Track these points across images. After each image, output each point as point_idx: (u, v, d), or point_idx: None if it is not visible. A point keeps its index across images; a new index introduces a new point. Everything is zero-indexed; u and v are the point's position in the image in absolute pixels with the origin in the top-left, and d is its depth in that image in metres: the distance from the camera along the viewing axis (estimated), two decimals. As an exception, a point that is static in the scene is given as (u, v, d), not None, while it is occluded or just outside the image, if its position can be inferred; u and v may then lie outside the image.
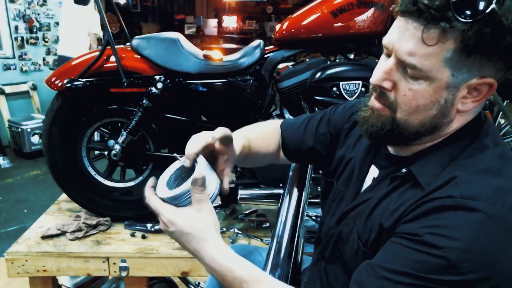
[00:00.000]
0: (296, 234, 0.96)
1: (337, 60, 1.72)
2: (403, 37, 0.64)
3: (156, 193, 0.74)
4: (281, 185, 1.71)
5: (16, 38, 4.75)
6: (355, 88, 1.58)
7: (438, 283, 0.57)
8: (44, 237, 1.59)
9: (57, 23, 4.95)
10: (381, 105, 0.71)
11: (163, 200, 0.73)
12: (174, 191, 0.71)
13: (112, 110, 1.65)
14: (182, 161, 0.76)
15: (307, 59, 1.73)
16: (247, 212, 1.81)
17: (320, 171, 1.03)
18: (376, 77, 0.70)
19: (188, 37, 1.98)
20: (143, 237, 1.63)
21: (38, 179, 3.91)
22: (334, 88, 1.58)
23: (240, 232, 1.67)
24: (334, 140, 1.00)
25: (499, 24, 0.57)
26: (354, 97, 1.58)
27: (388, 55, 0.69)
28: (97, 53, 1.58)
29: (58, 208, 1.87)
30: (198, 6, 9.07)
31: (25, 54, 4.87)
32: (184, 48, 1.63)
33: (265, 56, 1.69)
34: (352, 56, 1.74)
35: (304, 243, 1.06)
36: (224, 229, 1.69)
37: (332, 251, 0.84)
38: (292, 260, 0.91)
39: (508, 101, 1.95)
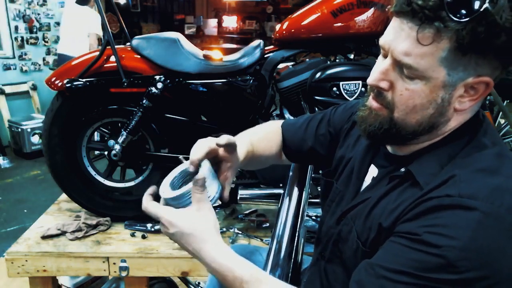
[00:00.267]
0: (296, 234, 0.97)
1: (337, 60, 1.72)
2: (398, 37, 0.64)
3: (159, 193, 0.75)
4: (281, 185, 1.71)
5: (16, 38, 4.75)
6: (355, 88, 1.58)
7: (437, 282, 0.58)
8: (44, 237, 1.59)
9: (57, 23, 4.96)
10: (379, 105, 0.72)
11: (166, 200, 0.74)
12: (176, 192, 0.72)
13: (112, 110, 1.65)
14: (187, 165, 0.78)
15: (307, 59, 1.73)
16: (247, 212, 1.81)
17: (320, 171, 1.04)
18: (373, 77, 0.70)
19: (188, 37, 1.98)
20: (143, 237, 1.63)
21: (38, 179, 3.91)
22: (334, 88, 1.58)
23: (240, 232, 1.67)
24: (334, 140, 1.00)
25: (493, 23, 0.57)
26: (354, 97, 1.58)
27: (385, 56, 0.69)
28: (97, 53, 1.58)
29: (58, 208, 1.87)
30: (198, 6, 9.07)
31: (25, 54, 4.87)
32: (184, 48, 1.63)
33: (265, 56, 1.69)
34: (352, 56, 1.74)
35: (304, 243, 1.06)
36: (224, 229, 1.69)
37: (332, 251, 0.84)
38: (292, 260, 0.92)
39: (508, 101, 1.95)
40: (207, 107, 1.71)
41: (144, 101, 1.57)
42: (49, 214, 1.81)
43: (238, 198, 1.67)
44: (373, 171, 0.83)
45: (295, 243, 0.94)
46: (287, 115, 1.73)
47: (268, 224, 1.74)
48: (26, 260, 1.51)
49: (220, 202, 0.77)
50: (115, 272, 1.54)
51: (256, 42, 1.71)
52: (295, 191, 1.10)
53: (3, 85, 4.61)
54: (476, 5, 0.57)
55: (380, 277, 0.62)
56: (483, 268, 0.56)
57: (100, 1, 1.70)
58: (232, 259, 0.70)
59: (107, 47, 1.58)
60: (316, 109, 1.66)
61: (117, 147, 1.60)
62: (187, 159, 0.79)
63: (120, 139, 1.60)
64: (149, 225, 1.67)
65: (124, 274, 1.54)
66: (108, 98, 1.62)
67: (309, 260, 1.01)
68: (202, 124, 1.71)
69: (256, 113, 1.72)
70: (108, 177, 1.75)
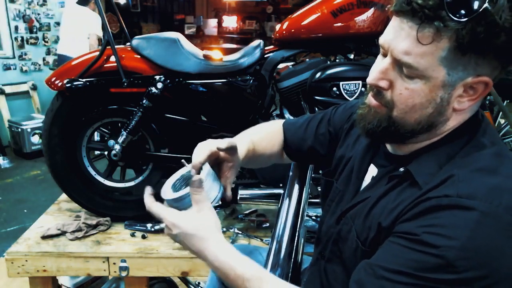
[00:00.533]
0: (296, 234, 0.97)
1: (337, 60, 1.72)
2: (398, 36, 0.65)
3: (161, 194, 0.75)
4: (281, 185, 1.71)
5: (16, 38, 4.75)
6: (355, 88, 1.58)
7: (436, 282, 0.58)
8: (44, 237, 1.59)
9: (57, 23, 4.96)
10: (378, 103, 0.72)
11: (167, 201, 0.75)
12: (177, 193, 0.73)
13: (112, 110, 1.65)
14: (188, 168, 0.79)
15: (307, 59, 1.73)
16: (247, 212, 1.81)
17: (320, 171, 1.04)
18: (372, 76, 0.71)
19: (188, 37, 1.98)
20: (143, 237, 1.63)
21: (38, 179, 3.91)
22: (334, 88, 1.58)
23: (240, 232, 1.67)
24: (333, 140, 1.01)
25: (492, 23, 0.58)
26: (354, 97, 1.58)
27: (384, 55, 0.69)
28: (97, 53, 1.58)
29: (58, 208, 1.87)
30: (198, 6, 9.06)
31: (25, 54, 4.87)
32: (184, 48, 1.63)
33: (265, 56, 1.69)
34: (352, 56, 1.74)
35: (304, 243, 1.06)
36: (224, 229, 1.69)
37: (332, 250, 0.84)
38: (292, 260, 0.92)
39: (508, 101, 1.95)
40: (207, 107, 1.71)
41: (144, 101, 1.57)
42: (49, 214, 1.81)
43: (238, 198, 1.67)
44: (372, 170, 0.83)
45: (295, 243, 0.94)
46: (287, 115, 1.73)
47: (268, 224, 1.74)
48: (26, 260, 1.51)
49: (221, 203, 0.78)
50: (115, 272, 1.54)
51: (256, 42, 1.71)
52: (295, 191, 1.10)
53: (3, 85, 4.60)
54: (476, 5, 0.57)
55: (380, 277, 0.62)
56: (481, 268, 0.57)
57: (100, 1, 1.70)
58: (234, 257, 0.70)
59: (107, 47, 1.58)
60: (316, 109, 1.66)
61: (117, 147, 1.60)
62: (188, 161, 0.80)
63: (120, 139, 1.60)
64: (149, 225, 1.67)
65: (124, 274, 1.54)
66: (108, 98, 1.62)
67: (309, 260, 1.01)
68: (202, 124, 1.71)
69: (256, 113, 1.72)
70: (108, 177, 1.75)
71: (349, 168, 0.89)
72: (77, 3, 4.09)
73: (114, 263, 1.53)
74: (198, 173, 0.76)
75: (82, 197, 1.74)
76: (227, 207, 1.83)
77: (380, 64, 0.69)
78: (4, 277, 1.63)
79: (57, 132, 1.64)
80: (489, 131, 0.70)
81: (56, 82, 1.58)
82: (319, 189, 1.14)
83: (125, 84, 1.55)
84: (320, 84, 1.59)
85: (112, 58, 1.58)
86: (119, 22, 1.89)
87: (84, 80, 1.55)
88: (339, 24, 1.58)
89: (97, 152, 1.84)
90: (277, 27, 1.70)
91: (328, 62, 1.66)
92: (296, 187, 1.11)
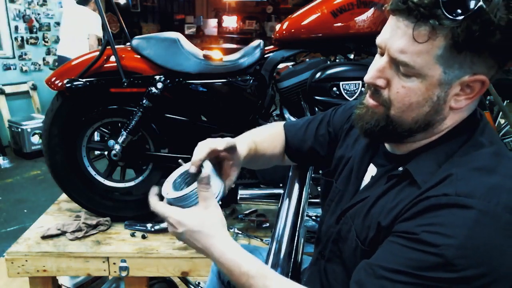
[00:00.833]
0: (296, 234, 0.97)
1: (337, 60, 1.72)
2: (395, 35, 0.65)
3: (163, 194, 0.76)
4: (281, 185, 1.71)
5: (16, 38, 4.75)
6: (355, 88, 1.58)
7: (435, 281, 0.58)
8: (44, 237, 1.59)
9: (57, 23, 4.96)
10: (376, 103, 0.72)
11: (170, 200, 0.75)
12: (181, 192, 0.73)
13: (112, 110, 1.65)
14: (187, 167, 0.79)
15: (307, 59, 1.73)
16: (247, 212, 1.81)
17: (320, 171, 1.04)
18: (369, 75, 0.71)
19: (188, 37, 1.98)
20: (143, 237, 1.63)
21: (38, 179, 3.91)
22: (334, 88, 1.58)
23: (240, 232, 1.67)
24: (333, 140, 1.01)
25: (487, 21, 0.58)
26: (354, 97, 1.58)
27: (382, 54, 0.70)
28: (97, 53, 1.58)
29: (58, 208, 1.87)
30: (198, 6, 9.07)
31: (25, 54, 4.87)
32: (184, 48, 1.63)
33: (265, 56, 1.69)
34: (352, 56, 1.74)
35: (304, 243, 1.07)
36: (224, 229, 1.69)
37: (332, 250, 0.84)
38: (292, 260, 0.92)
39: (508, 101, 1.95)
40: (207, 107, 1.71)
41: (144, 101, 1.57)
42: (49, 214, 1.81)
43: (238, 198, 1.67)
44: (372, 170, 0.84)
45: (295, 243, 0.95)
46: (287, 115, 1.73)
47: (268, 224, 1.74)
48: (26, 260, 1.51)
49: (220, 202, 0.78)
50: (115, 272, 1.54)
51: (256, 42, 1.71)
52: (295, 191, 1.10)
53: (3, 85, 4.61)
54: (471, 3, 0.58)
55: (379, 277, 0.62)
56: (480, 266, 0.57)
57: (100, 1, 1.70)
58: (239, 255, 0.71)
59: (107, 47, 1.58)
60: (316, 109, 1.66)
61: (117, 147, 1.60)
62: (186, 161, 0.81)
63: (120, 139, 1.60)
64: (149, 225, 1.67)
65: (124, 274, 1.54)
66: (108, 98, 1.62)
67: (309, 260, 1.01)
68: (202, 124, 1.71)
69: (256, 113, 1.72)
70: (108, 177, 1.75)
71: (349, 168, 0.89)
72: (77, 2, 4.09)
73: (114, 263, 1.53)
74: (199, 170, 0.77)
75: (82, 197, 1.74)
76: (227, 207, 1.83)
77: (378, 62, 0.70)
78: (4, 277, 1.63)
79: (57, 132, 1.64)
80: (487, 130, 0.70)
81: (56, 82, 1.58)
82: (319, 189, 1.14)
83: (125, 84, 1.55)
84: (320, 84, 1.59)
85: (112, 58, 1.58)
86: (119, 22, 1.89)
87: (84, 80, 1.55)
88: (339, 24, 1.58)
89: (97, 152, 1.84)
90: (277, 27, 1.70)
91: (328, 62, 1.66)
92: (296, 187, 1.11)
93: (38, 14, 4.94)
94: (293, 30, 1.65)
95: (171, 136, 1.70)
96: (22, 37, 4.82)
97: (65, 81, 1.54)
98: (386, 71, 0.69)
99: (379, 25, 1.56)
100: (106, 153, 1.65)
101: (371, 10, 1.56)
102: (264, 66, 1.68)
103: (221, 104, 1.69)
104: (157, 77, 1.57)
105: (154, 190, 0.78)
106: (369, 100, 0.74)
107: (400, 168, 0.73)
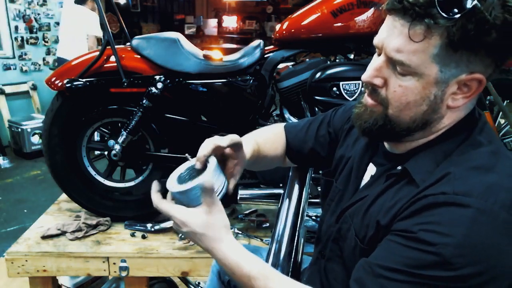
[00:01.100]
0: (296, 234, 0.97)
1: (337, 60, 1.72)
2: (391, 34, 0.66)
3: (167, 186, 0.76)
4: (281, 185, 1.71)
5: (16, 38, 4.76)
6: (355, 88, 1.58)
7: (433, 279, 0.58)
8: (44, 237, 1.59)
9: (57, 23, 4.96)
10: (374, 102, 0.73)
11: (173, 193, 0.75)
12: (184, 186, 0.74)
13: (112, 110, 1.65)
14: (193, 162, 0.80)
15: (307, 59, 1.73)
16: (247, 212, 1.81)
17: (320, 171, 1.04)
18: (367, 74, 0.72)
19: (188, 37, 1.98)
20: (143, 237, 1.63)
21: (38, 179, 3.91)
22: (334, 88, 1.58)
23: (240, 232, 1.67)
24: (334, 141, 1.01)
25: (482, 20, 0.58)
26: (354, 97, 1.58)
27: (379, 54, 0.70)
28: (97, 53, 1.58)
29: (58, 208, 1.87)
30: (198, 6, 9.07)
31: (25, 54, 4.87)
32: (184, 48, 1.63)
33: (265, 56, 1.69)
34: (352, 56, 1.74)
35: (304, 243, 1.07)
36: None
37: (332, 249, 0.85)
38: (292, 259, 0.92)
39: (508, 101, 1.95)
40: (207, 107, 1.71)
41: (144, 101, 1.57)
42: (49, 214, 1.81)
43: (238, 198, 1.67)
44: (371, 169, 0.84)
45: (295, 243, 0.95)
46: (287, 115, 1.73)
47: (268, 224, 1.74)
48: (26, 260, 1.51)
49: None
50: (115, 272, 1.54)
51: (256, 42, 1.71)
52: (295, 191, 1.10)
53: (3, 85, 4.61)
54: (466, 2, 0.58)
55: (378, 276, 0.63)
56: (477, 264, 0.57)
57: (100, 1, 1.70)
58: (241, 256, 0.72)
59: (107, 47, 1.58)
60: (316, 109, 1.66)
61: (117, 147, 1.60)
62: (193, 156, 0.81)
63: (120, 139, 1.60)
64: (149, 225, 1.67)
65: (124, 274, 1.54)
66: (108, 98, 1.62)
67: (309, 260, 1.01)
68: (202, 124, 1.71)
69: (256, 113, 1.72)
70: (108, 177, 1.75)
71: (349, 167, 0.89)
72: (75, 2, 4.09)
73: (114, 263, 1.53)
74: (204, 166, 0.77)
75: (82, 197, 1.74)
76: (227, 207, 1.83)
77: (375, 62, 0.71)
78: (4, 277, 1.63)
79: (57, 132, 1.64)
80: (486, 129, 0.70)
81: (56, 82, 1.58)
82: (319, 189, 1.14)
83: (125, 84, 1.55)
84: (320, 84, 1.59)
85: (112, 58, 1.58)
86: (119, 22, 1.89)
87: (84, 80, 1.55)
88: (339, 24, 1.58)
89: (97, 152, 1.84)
90: (277, 27, 1.70)
91: (328, 62, 1.66)
92: (296, 187, 1.11)
93: (38, 14, 4.94)
94: (293, 30, 1.65)
95: (171, 136, 1.70)
96: (22, 37, 4.82)
97: (65, 81, 1.54)
98: (383, 70, 0.69)
99: (379, 25, 1.54)
100: (106, 153, 1.65)
101: (371, 10, 1.56)
102: (264, 66, 1.68)
103: (221, 104, 1.69)
104: (157, 77, 1.57)
105: (156, 186, 0.78)
106: (367, 99, 0.74)
107: (399, 167, 0.74)
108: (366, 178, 0.84)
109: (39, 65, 5.02)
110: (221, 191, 0.78)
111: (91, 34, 4.06)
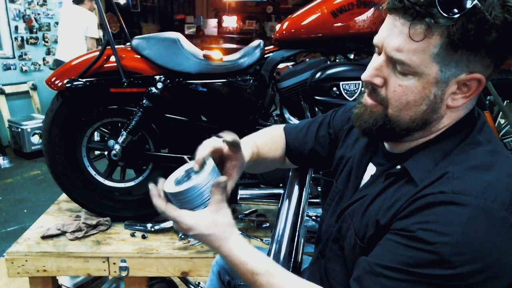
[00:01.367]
0: (296, 234, 0.97)
1: (337, 60, 1.72)
2: (391, 34, 0.66)
3: (164, 188, 0.77)
4: (281, 185, 1.71)
5: (16, 38, 4.75)
6: (355, 88, 1.58)
7: (431, 278, 0.59)
8: (44, 237, 1.59)
9: (57, 23, 4.95)
10: (373, 102, 0.73)
11: (169, 194, 0.76)
12: (181, 187, 0.74)
13: (112, 110, 1.65)
14: (191, 164, 0.80)
15: (307, 59, 1.73)
16: (247, 212, 1.81)
17: (320, 171, 1.04)
18: (367, 73, 0.72)
19: (188, 37, 1.98)
20: (143, 237, 1.63)
21: (38, 179, 3.91)
22: (334, 88, 1.58)
23: (240, 232, 1.66)
24: (333, 142, 1.01)
25: (482, 19, 0.58)
26: (354, 97, 1.58)
27: (379, 53, 0.70)
28: (97, 53, 1.58)
29: (58, 208, 1.87)
30: (198, 6, 9.07)
31: (25, 54, 4.87)
32: (184, 48, 1.63)
33: (265, 56, 1.69)
34: (352, 56, 1.74)
35: (304, 243, 1.07)
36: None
37: (332, 249, 0.85)
38: (292, 259, 0.92)
39: (508, 101, 1.95)
40: (207, 107, 1.71)
41: (144, 101, 1.57)
42: (49, 214, 1.81)
43: (238, 198, 1.67)
44: (371, 169, 0.84)
45: (295, 243, 0.95)
46: (287, 115, 1.73)
47: (268, 224, 1.74)
48: (26, 260, 1.51)
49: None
50: (115, 272, 1.54)
51: (256, 42, 1.71)
52: (295, 191, 1.10)
53: (3, 85, 4.60)
54: (466, 2, 0.58)
55: (378, 275, 0.63)
56: (476, 263, 0.57)
57: (100, 1, 1.70)
58: (246, 253, 0.73)
59: (107, 47, 1.58)
60: (316, 109, 1.66)
61: (117, 147, 1.60)
62: (191, 159, 0.81)
63: (120, 139, 1.60)
64: (149, 225, 1.67)
65: (124, 274, 1.54)
66: (108, 98, 1.62)
67: (309, 260, 1.01)
68: (202, 124, 1.71)
69: (256, 113, 1.72)
70: (108, 177, 1.75)
71: (349, 167, 0.89)
72: (73, 2, 4.09)
73: (114, 263, 1.53)
74: (201, 167, 0.78)
75: (82, 197, 1.74)
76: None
77: (375, 61, 0.71)
78: (4, 277, 1.63)
79: (57, 132, 1.64)
80: (485, 129, 0.71)
81: (56, 82, 1.58)
82: (319, 189, 1.14)
83: (125, 84, 1.55)
84: (320, 84, 1.59)
85: (112, 58, 1.58)
86: (119, 22, 1.89)
87: (84, 80, 1.55)
88: (339, 24, 1.58)
89: (97, 152, 1.84)
90: (277, 27, 1.70)
91: (328, 62, 1.66)
92: (296, 187, 1.11)
93: (38, 14, 4.94)
94: (293, 30, 1.65)
95: (171, 136, 1.70)
96: (22, 37, 4.82)
97: (65, 81, 1.54)
98: (383, 69, 0.69)
99: (379, 25, 1.55)
100: (106, 153, 1.65)
101: (371, 10, 1.56)
102: (264, 66, 1.68)
103: (221, 104, 1.69)
104: (157, 77, 1.57)
105: (155, 190, 0.77)
106: (367, 99, 0.74)
107: (398, 167, 0.74)
108: (366, 178, 0.84)
109: (39, 65, 5.02)
110: None
111: (89, 36, 4.06)
